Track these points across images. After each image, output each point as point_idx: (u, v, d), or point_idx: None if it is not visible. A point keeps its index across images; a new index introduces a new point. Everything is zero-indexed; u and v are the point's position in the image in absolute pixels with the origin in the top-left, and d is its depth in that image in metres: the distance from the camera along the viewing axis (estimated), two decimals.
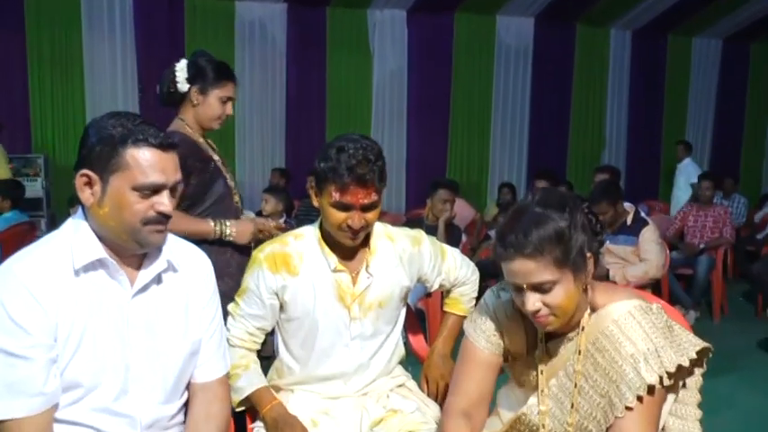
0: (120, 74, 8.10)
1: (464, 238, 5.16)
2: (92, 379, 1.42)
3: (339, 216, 1.79)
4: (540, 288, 1.44)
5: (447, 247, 2.14)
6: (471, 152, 9.59)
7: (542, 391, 1.58)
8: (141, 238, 1.43)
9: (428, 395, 2.10)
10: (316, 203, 1.88)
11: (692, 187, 7.83)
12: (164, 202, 1.43)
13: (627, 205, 4.71)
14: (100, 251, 1.43)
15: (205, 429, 1.58)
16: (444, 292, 2.19)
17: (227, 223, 2.47)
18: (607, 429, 1.48)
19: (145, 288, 1.50)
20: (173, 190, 1.46)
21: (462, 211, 6.37)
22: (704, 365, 1.51)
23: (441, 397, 2.09)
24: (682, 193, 8.06)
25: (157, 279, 1.52)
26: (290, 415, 1.86)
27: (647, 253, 4.43)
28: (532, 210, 1.46)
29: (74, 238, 1.44)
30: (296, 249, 1.92)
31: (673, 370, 1.42)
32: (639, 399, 1.43)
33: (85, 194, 1.42)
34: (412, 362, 2.21)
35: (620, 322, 1.48)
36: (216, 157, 2.60)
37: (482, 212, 7.81)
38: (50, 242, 1.46)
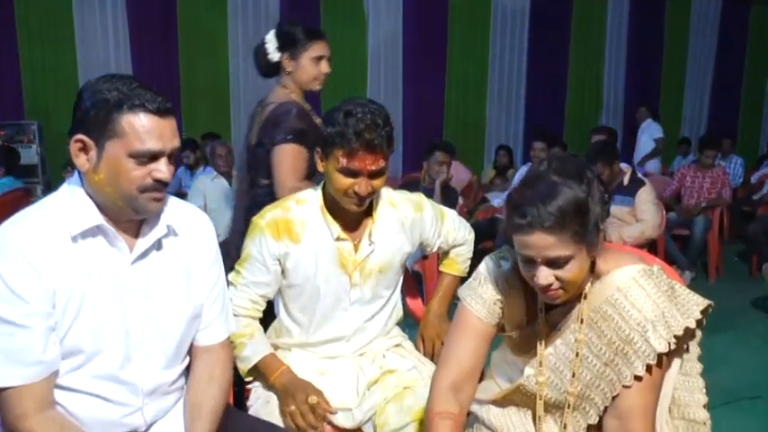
0: (111, 39, 7.99)
1: (461, 200, 5.15)
2: (92, 345, 1.42)
3: (345, 182, 1.76)
4: (554, 262, 1.38)
5: (446, 210, 2.13)
6: (468, 115, 9.53)
7: (540, 362, 1.56)
8: (138, 205, 1.41)
9: (424, 354, 2.11)
10: (320, 168, 1.84)
11: (656, 142, 8.04)
12: (161, 169, 1.39)
13: (623, 166, 4.71)
14: (97, 217, 1.41)
15: (207, 392, 1.58)
16: (441, 253, 2.19)
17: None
18: (612, 398, 1.47)
19: (144, 254, 1.48)
20: (171, 156, 1.42)
21: (459, 173, 6.36)
22: (704, 322, 1.48)
23: (437, 356, 2.11)
24: (644, 147, 8.21)
25: (157, 245, 1.51)
26: (300, 379, 1.86)
27: (644, 213, 4.44)
28: (550, 179, 1.38)
29: (70, 204, 1.41)
30: (298, 216, 1.89)
31: (681, 333, 1.40)
32: (647, 367, 1.41)
33: (80, 160, 1.39)
34: (409, 323, 2.23)
35: (625, 289, 1.45)
36: (318, 121, 2.60)
37: (479, 175, 7.80)
38: (45, 207, 1.43)
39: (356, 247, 1.90)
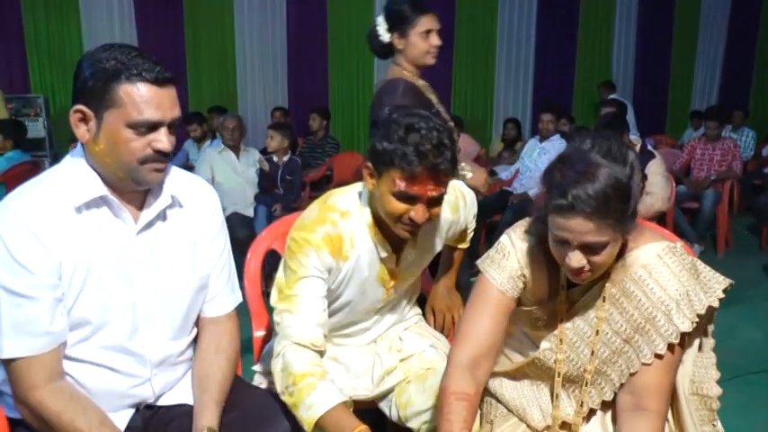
0: (116, 11, 7.97)
1: None
2: (99, 317, 1.42)
3: (400, 207, 1.56)
4: (589, 247, 1.33)
5: (467, 194, 1.96)
6: (476, 87, 9.47)
7: (561, 339, 1.54)
8: (139, 176, 1.39)
9: (434, 327, 2.10)
10: (369, 186, 1.63)
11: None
12: (161, 139, 1.37)
13: (633, 138, 4.67)
14: (101, 188, 1.40)
15: (215, 363, 1.58)
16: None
17: (461, 164, 2.45)
18: (630, 375, 1.46)
19: (149, 225, 1.48)
20: (171, 126, 1.40)
21: (467, 146, 6.32)
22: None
23: (447, 329, 2.10)
24: None
25: (162, 216, 1.50)
26: None
27: (653, 186, 4.41)
28: (594, 159, 1.31)
29: (73, 176, 1.41)
30: (346, 230, 1.68)
31: (703, 312, 1.39)
32: (669, 346, 1.40)
33: (81, 130, 1.38)
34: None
35: (650, 267, 1.42)
36: (434, 99, 2.61)
37: (487, 148, 7.76)
38: (49, 179, 1.42)
39: (398, 260, 1.77)
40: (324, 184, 6.32)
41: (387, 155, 1.51)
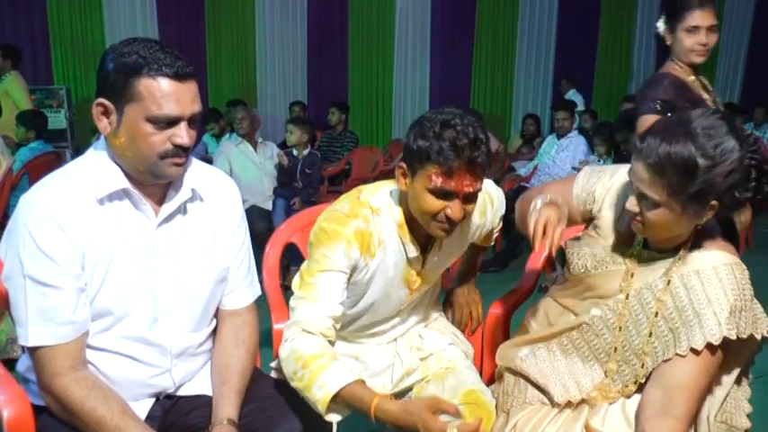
0: (138, 5, 8.02)
1: None
2: (121, 307, 1.44)
3: (436, 204, 1.53)
4: (644, 197, 1.40)
5: (494, 195, 1.91)
6: (495, 83, 9.43)
7: (627, 295, 1.56)
8: (158, 171, 1.41)
9: (452, 323, 2.10)
10: (403, 186, 1.61)
11: (578, 114, 7.71)
12: (181, 134, 1.38)
13: None
14: (123, 181, 1.42)
15: (235, 354, 1.60)
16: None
17: None
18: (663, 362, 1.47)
19: (170, 218, 1.49)
20: (191, 121, 1.41)
21: None
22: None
23: (464, 324, 2.10)
24: None
25: (182, 209, 1.52)
26: (414, 403, 1.46)
27: None
28: (690, 127, 1.35)
29: (96, 168, 1.43)
30: (376, 228, 1.67)
31: (744, 336, 1.40)
32: (708, 346, 1.40)
33: (102, 123, 1.40)
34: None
35: (720, 270, 1.43)
36: (705, 96, 2.57)
37: (506, 144, 7.73)
38: (73, 170, 1.45)
39: (424, 261, 1.76)
40: (342, 179, 6.33)
41: (423, 152, 1.50)
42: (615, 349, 1.57)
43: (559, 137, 5.66)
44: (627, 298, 1.56)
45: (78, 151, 7.40)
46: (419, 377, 1.87)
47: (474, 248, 2.10)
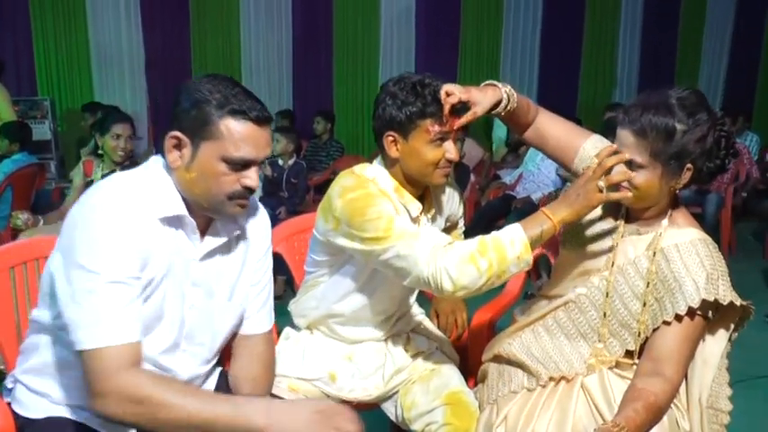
0: (123, 15, 7.99)
1: (473, 177, 5.15)
2: (150, 325, 1.41)
3: (437, 152, 1.69)
4: (630, 163, 1.54)
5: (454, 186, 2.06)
6: None
7: (613, 262, 1.68)
8: (223, 209, 1.42)
9: (438, 328, 2.11)
10: (394, 153, 1.73)
11: None
12: (252, 176, 1.40)
13: None
14: (183, 208, 1.41)
15: (252, 375, 1.60)
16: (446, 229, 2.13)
17: None
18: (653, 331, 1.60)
19: (213, 252, 1.49)
20: (261, 164, 1.43)
21: (471, 150, 6.34)
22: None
23: (449, 331, 2.11)
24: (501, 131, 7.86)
25: (226, 246, 1.52)
26: None
27: None
28: (668, 100, 1.53)
29: (160, 188, 1.41)
30: (380, 192, 1.75)
31: (725, 303, 1.52)
32: (690, 313, 1.52)
33: (172, 156, 1.39)
34: (419, 299, 2.23)
35: (696, 244, 1.59)
36: None
37: (491, 152, 7.76)
38: (138, 185, 1.41)
39: (433, 219, 1.89)
40: (328, 188, 6.33)
41: (414, 113, 1.66)
42: (605, 314, 1.68)
43: None
44: (611, 274, 1.67)
45: (63, 162, 7.38)
46: (405, 377, 1.90)
47: None
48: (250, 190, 1.41)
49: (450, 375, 1.89)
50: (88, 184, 3.70)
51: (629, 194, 1.57)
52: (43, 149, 6.91)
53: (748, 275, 5.06)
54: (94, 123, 4.47)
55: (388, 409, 1.93)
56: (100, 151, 3.72)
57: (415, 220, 1.78)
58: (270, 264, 1.66)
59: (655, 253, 1.61)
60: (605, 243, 1.70)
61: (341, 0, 8.76)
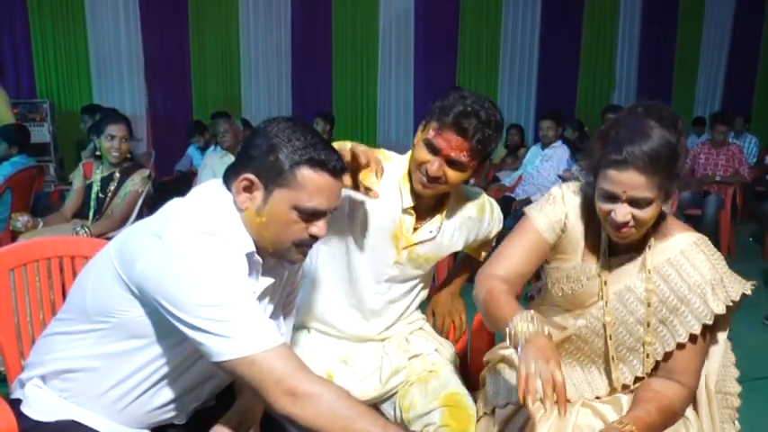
0: (122, 17, 7.99)
1: (472, 179, 5.14)
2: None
3: (424, 156, 1.72)
4: (636, 202, 1.43)
5: (495, 205, 2.05)
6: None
7: (606, 302, 1.60)
8: (287, 255, 1.43)
9: (434, 328, 2.11)
10: (414, 140, 1.79)
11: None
12: (320, 226, 1.40)
13: None
14: (253, 246, 1.39)
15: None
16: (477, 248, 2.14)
17: None
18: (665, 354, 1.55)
19: (265, 292, 1.48)
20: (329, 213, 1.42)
21: None
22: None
23: (446, 333, 2.11)
24: None
25: (275, 285, 1.52)
26: None
27: None
28: (648, 121, 1.43)
29: (236, 227, 1.39)
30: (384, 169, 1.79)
31: (737, 299, 1.48)
32: (703, 327, 1.48)
33: (242, 197, 1.38)
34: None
35: (687, 252, 1.53)
36: None
37: None
38: (219, 221, 1.37)
39: (415, 228, 1.86)
40: None
41: (434, 109, 1.72)
42: (612, 357, 1.61)
43: (544, 147, 5.70)
44: (606, 305, 1.60)
45: (62, 165, 7.37)
46: (403, 378, 1.90)
47: (467, 258, 2.14)
48: (316, 238, 1.41)
49: (448, 377, 1.89)
50: (88, 186, 3.71)
51: (633, 233, 1.49)
52: (42, 152, 6.91)
53: (747, 277, 4.98)
54: (92, 125, 4.46)
55: (387, 410, 1.94)
56: (98, 153, 3.71)
57: (406, 220, 1.84)
58: (299, 286, 1.67)
59: (649, 271, 1.55)
60: (594, 282, 1.61)
61: (340, 2, 8.78)
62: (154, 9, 8.03)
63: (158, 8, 8.07)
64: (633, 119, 1.46)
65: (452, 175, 1.72)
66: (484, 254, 2.14)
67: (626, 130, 1.43)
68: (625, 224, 1.45)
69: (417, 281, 1.98)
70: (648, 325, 1.56)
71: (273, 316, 1.55)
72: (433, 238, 1.86)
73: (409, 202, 1.82)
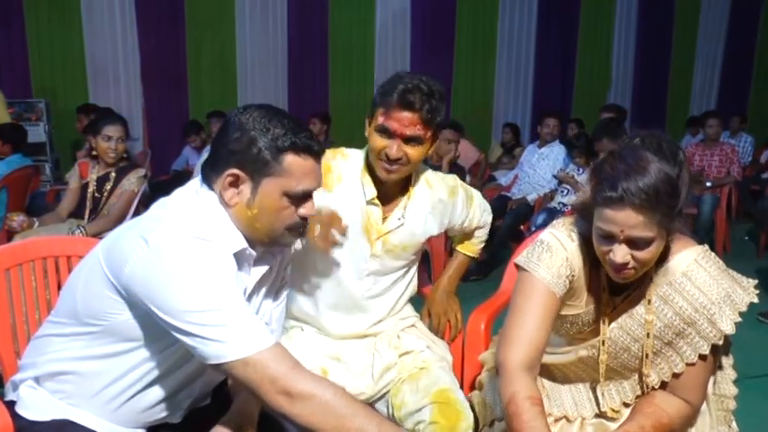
0: (118, 16, 7.98)
1: (468, 178, 5.15)
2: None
3: (380, 142, 1.75)
4: (635, 242, 1.34)
5: (474, 193, 2.10)
6: (475, 93, 9.50)
7: (603, 341, 1.54)
8: (281, 240, 1.45)
9: (429, 329, 2.12)
10: (367, 133, 1.82)
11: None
12: (309, 206, 1.42)
13: None
14: (244, 242, 1.40)
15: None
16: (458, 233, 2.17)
17: None
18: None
19: (261, 281, 1.49)
20: None
21: (467, 151, 6.35)
22: None
23: (441, 332, 2.12)
24: None
25: (269, 272, 1.53)
26: None
27: None
28: (644, 155, 1.33)
29: (223, 226, 1.38)
30: (338, 166, 1.88)
31: (745, 309, 1.43)
32: (712, 347, 1.44)
33: (229, 193, 1.37)
34: (414, 300, 2.23)
35: (689, 273, 1.45)
36: None
37: (486, 154, 7.78)
38: (205, 223, 1.36)
39: (385, 218, 1.88)
40: None
41: (375, 98, 1.76)
42: (614, 372, 1.59)
43: (541, 145, 5.71)
44: (603, 344, 1.55)
45: (58, 164, 7.36)
46: (395, 376, 1.91)
47: (460, 257, 2.15)
48: (306, 219, 1.43)
49: (439, 374, 1.89)
50: (84, 185, 3.71)
51: (632, 273, 1.41)
52: (38, 151, 6.91)
53: (743, 275, 5.07)
54: (88, 125, 4.46)
55: (381, 409, 1.94)
56: (94, 153, 3.71)
57: (371, 212, 1.86)
58: (287, 279, 1.67)
59: (649, 301, 1.48)
60: (596, 322, 1.56)
61: (336, 2, 8.78)
62: (150, 8, 8.02)
63: (154, 7, 8.06)
64: (629, 151, 1.36)
65: (412, 152, 1.75)
66: (475, 248, 2.16)
67: (621, 164, 1.33)
68: (624, 265, 1.37)
69: (402, 273, 2.00)
70: (647, 356, 1.50)
71: (270, 300, 1.57)
72: (403, 224, 1.88)
73: (372, 193, 1.84)
